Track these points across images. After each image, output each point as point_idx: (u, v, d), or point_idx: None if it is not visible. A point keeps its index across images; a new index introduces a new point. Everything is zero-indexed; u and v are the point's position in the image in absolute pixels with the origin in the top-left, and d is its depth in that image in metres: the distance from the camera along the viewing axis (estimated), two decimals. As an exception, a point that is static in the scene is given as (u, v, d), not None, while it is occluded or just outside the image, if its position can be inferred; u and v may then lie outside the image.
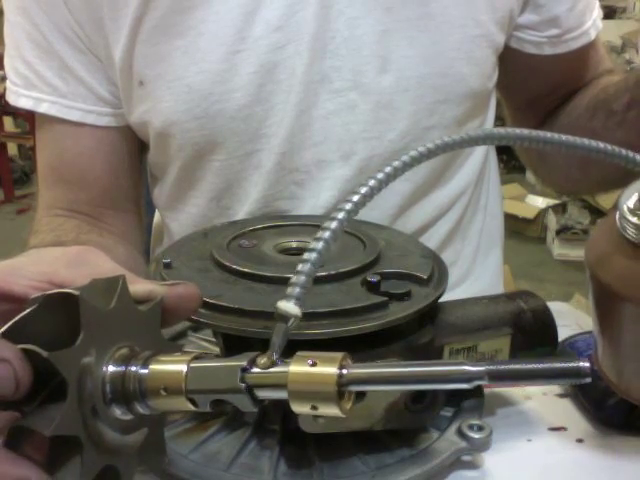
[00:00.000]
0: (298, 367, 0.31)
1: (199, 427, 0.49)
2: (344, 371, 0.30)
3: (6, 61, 0.74)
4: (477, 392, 0.52)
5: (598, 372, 0.45)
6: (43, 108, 0.72)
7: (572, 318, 0.73)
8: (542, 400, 0.57)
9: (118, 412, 0.34)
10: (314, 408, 0.31)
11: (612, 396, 0.52)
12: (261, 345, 0.45)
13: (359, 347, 0.45)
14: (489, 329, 0.51)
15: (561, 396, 0.58)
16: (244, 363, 0.32)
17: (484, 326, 0.52)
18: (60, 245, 0.68)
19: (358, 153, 0.69)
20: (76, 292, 0.33)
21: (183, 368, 0.33)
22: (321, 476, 0.46)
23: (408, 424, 0.47)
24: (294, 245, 0.57)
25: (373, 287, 0.48)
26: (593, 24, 0.77)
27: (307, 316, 0.45)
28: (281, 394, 0.31)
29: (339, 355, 0.31)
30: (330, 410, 0.31)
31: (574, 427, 0.53)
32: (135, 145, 0.77)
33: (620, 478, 0.48)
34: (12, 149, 5.10)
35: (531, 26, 0.74)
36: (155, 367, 0.34)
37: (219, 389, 0.33)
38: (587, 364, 0.25)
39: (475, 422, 0.48)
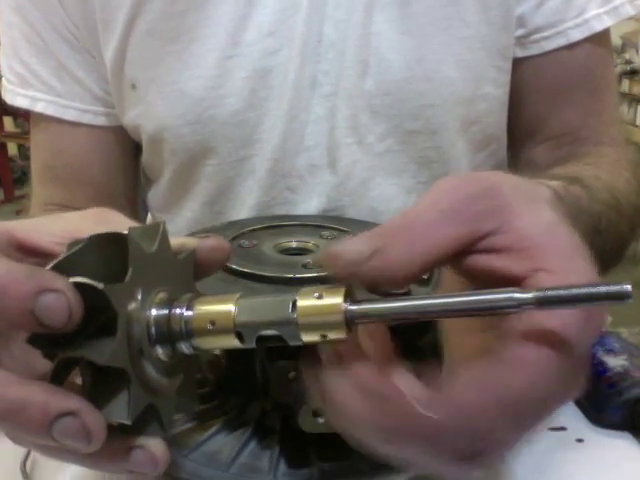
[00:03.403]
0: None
1: (199, 427, 0.49)
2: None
3: (2, 60, 0.74)
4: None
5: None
6: (39, 107, 0.72)
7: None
8: (542, 400, 0.57)
9: (161, 352, 0.34)
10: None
11: (612, 396, 0.52)
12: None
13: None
14: (489, 329, 0.51)
15: (561, 396, 0.58)
16: (295, 297, 0.32)
17: (484, 326, 0.51)
18: None
19: (341, 159, 0.69)
20: (124, 232, 0.33)
21: (231, 304, 0.33)
22: (321, 476, 0.46)
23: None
24: (294, 245, 0.57)
25: (373, 287, 0.48)
26: (582, 24, 0.67)
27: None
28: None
29: None
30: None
31: (574, 427, 0.53)
32: (131, 144, 0.77)
33: (620, 478, 0.48)
34: (12, 149, 5.12)
35: None
36: (201, 306, 0.34)
37: (270, 321, 0.32)
38: (629, 286, 0.27)
39: (475, 422, 0.48)
